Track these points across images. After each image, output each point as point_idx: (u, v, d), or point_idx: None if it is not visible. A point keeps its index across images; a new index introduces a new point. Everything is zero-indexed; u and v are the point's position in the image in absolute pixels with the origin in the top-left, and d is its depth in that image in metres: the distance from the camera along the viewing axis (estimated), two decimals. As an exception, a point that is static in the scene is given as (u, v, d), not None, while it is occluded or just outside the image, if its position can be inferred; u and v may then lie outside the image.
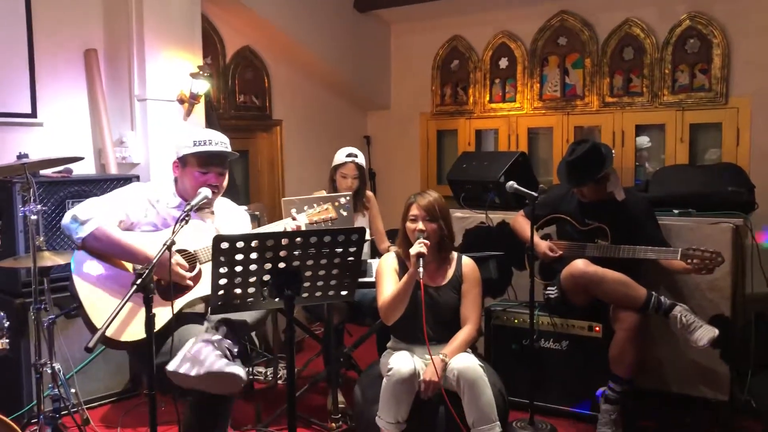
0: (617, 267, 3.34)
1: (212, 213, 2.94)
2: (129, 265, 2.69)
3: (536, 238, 3.58)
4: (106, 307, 2.50)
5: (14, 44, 3.91)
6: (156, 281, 2.58)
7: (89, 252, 2.67)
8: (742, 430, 3.44)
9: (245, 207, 4.20)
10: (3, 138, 3.90)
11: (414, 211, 3.03)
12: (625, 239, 3.43)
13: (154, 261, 2.20)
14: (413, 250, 2.87)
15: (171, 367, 2.37)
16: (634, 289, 3.27)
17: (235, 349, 2.52)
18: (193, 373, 2.35)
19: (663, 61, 5.14)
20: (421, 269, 2.80)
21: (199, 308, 2.76)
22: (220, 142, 2.82)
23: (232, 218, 3.03)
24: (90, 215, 2.63)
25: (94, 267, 2.66)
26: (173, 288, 2.58)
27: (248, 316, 2.66)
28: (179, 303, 2.63)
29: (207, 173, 2.79)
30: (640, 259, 3.39)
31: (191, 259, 2.71)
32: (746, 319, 3.80)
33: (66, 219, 2.66)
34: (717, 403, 3.60)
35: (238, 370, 2.39)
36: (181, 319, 2.62)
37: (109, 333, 2.44)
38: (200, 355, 2.38)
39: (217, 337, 2.47)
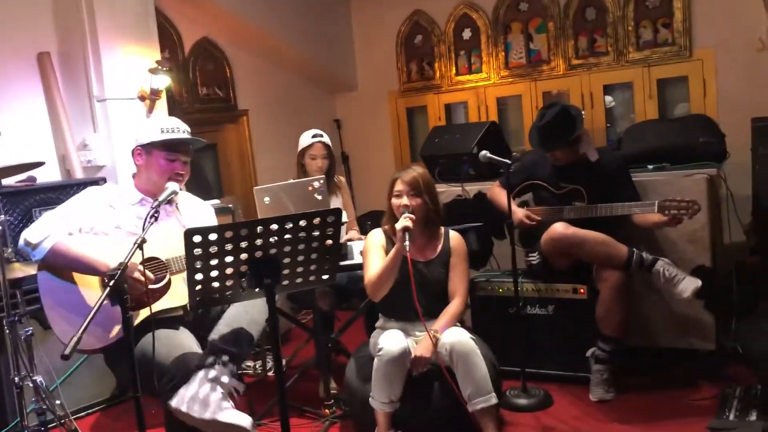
0: (596, 227, 3.34)
1: (177, 209, 2.87)
2: (93, 281, 2.62)
3: (513, 207, 3.56)
4: (75, 324, 2.43)
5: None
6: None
7: (48, 268, 2.62)
8: (731, 376, 3.48)
9: (217, 201, 4.14)
10: (-40, 151, 3.78)
11: (398, 186, 3.00)
12: (601, 199, 3.43)
13: (126, 261, 2.13)
14: (399, 225, 2.84)
15: (175, 403, 2.33)
16: (615, 247, 3.28)
17: (242, 388, 2.48)
18: (197, 416, 2.32)
19: (625, 19, 5.12)
20: (407, 243, 2.78)
21: (176, 312, 2.68)
22: (185, 130, 2.80)
23: (198, 212, 2.97)
24: (42, 235, 2.56)
25: (57, 288, 2.61)
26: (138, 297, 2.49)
27: (253, 327, 2.60)
28: (143, 313, 2.56)
29: (174, 161, 2.75)
30: (619, 218, 3.39)
31: (161, 267, 2.63)
32: (727, 269, 3.83)
33: (21, 241, 2.61)
34: (705, 353, 3.63)
35: (245, 420, 2.35)
36: (152, 325, 2.51)
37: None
38: (207, 397, 2.34)
39: (225, 378, 2.41)
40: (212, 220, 3.02)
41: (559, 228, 3.34)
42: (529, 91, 5.58)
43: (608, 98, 5.30)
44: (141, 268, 2.49)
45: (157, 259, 2.63)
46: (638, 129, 4.31)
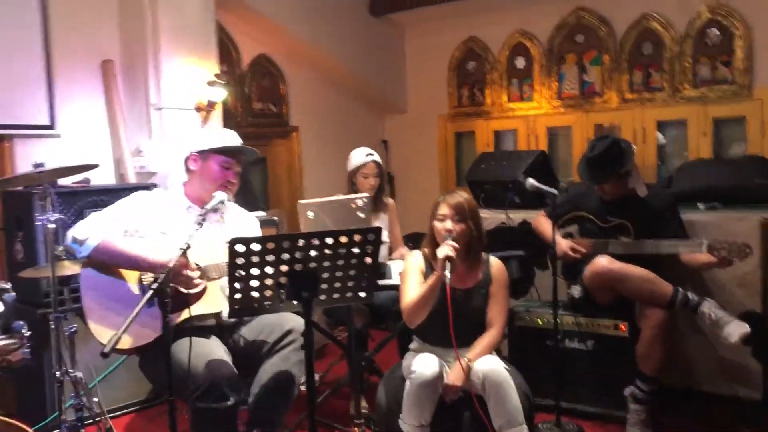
0: (641, 263, 3.27)
1: (222, 218, 2.93)
2: (133, 280, 2.69)
3: (557, 238, 3.52)
4: (112, 324, 2.54)
5: (31, 57, 3.95)
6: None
7: (93, 266, 2.68)
8: (777, 429, 3.35)
9: (263, 213, 4.20)
10: (22, 150, 3.94)
11: (443, 210, 2.94)
12: (648, 235, 3.36)
13: (171, 264, 2.18)
14: (440, 252, 2.77)
15: None
16: (659, 285, 3.20)
17: None
18: None
19: (683, 55, 5.05)
20: (448, 273, 2.70)
21: (210, 321, 2.74)
22: (241, 143, 2.91)
23: (243, 223, 3.02)
24: (87, 233, 2.63)
25: (100, 285, 2.68)
26: (177, 298, 2.55)
27: (296, 368, 2.70)
28: (179, 316, 2.62)
29: (228, 169, 2.81)
30: (665, 255, 3.32)
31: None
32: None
33: (68, 238, 2.68)
34: (749, 402, 3.50)
35: None
36: (187, 330, 2.58)
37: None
38: None
39: None
40: (257, 232, 3.07)
41: (603, 262, 3.29)
42: (581, 123, 5.54)
43: (660, 136, 5.21)
44: (193, 264, 2.58)
45: (196, 264, 2.68)
46: (691, 167, 4.24)
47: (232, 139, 2.88)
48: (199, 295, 2.65)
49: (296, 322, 2.80)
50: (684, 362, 3.60)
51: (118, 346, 2.46)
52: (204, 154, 2.83)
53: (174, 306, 2.52)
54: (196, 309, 2.64)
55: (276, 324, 2.77)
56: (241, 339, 2.84)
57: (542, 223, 3.79)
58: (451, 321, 2.78)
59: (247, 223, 3.06)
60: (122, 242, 2.65)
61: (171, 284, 2.54)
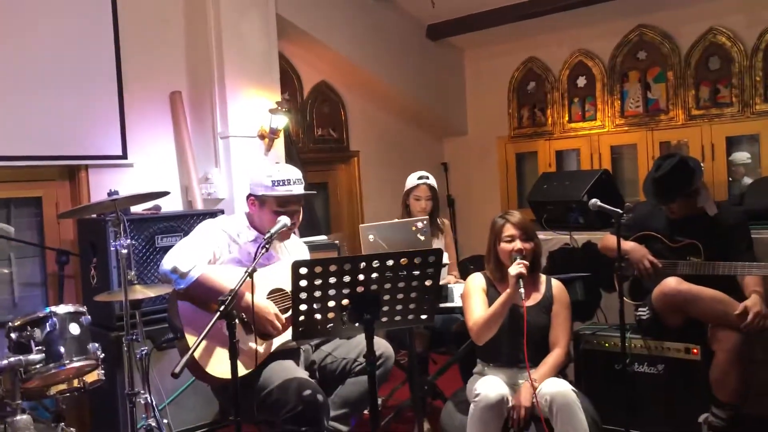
0: (712, 284, 3.16)
1: (285, 248, 2.98)
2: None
3: (633, 244, 3.42)
4: (206, 343, 2.55)
5: (105, 91, 4.14)
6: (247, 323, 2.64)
7: (187, 297, 2.66)
8: None
9: (324, 237, 4.26)
10: (97, 180, 4.12)
11: (509, 230, 2.96)
12: (719, 255, 3.24)
13: (236, 288, 2.23)
14: (513, 271, 2.81)
15: None
16: (732, 306, 3.07)
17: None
18: None
19: (753, 69, 4.89)
20: (522, 290, 2.75)
21: (292, 344, 2.80)
22: (296, 179, 2.83)
23: (298, 251, 3.07)
24: (191, 265, 2.61)
25: (200, 318, 2.65)
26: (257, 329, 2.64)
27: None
28: (276, 342, 2.69)
29: (285, 213, 2.78)
30: (735, 276, 3.19)
31: (287, 298, 2.72)
32: None
33: (166, 267, 2.64)
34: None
35: None
36: (274, 354, 2.68)
37: (207, 367, 2.54)
38: None
39: None
40: (306, 256, 3.10)
41: (672, 283, 3.19)
42: (645, 141, 5.42)
43: (745, 154, 5.01)
44: (277, 310, 2.64)
45: (281, 290, 2.75)
46: (764, 183, 4.07)
47: (288, 178, 2.80)
48: (289, 323, 2.64)
49: (386, 347, 2.89)
50: (762, 387, 3.43)
51: (219, 375, 2.54)
52: (260, 198, 2.82)
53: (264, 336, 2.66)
54: (282, 339, 2.71)
55: (365, 346, 2.78)
56: (329, 357, 2.90)
57: (610, 239, 3.70)
58: (526, 337, 2.77)
59: (299, 249, 3.11)
60: (217, 273, 2.65)
61: (257, 326, 2.63)
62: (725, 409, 3.09)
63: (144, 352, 3.13)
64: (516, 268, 2.81)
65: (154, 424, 3.13)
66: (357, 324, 2.24)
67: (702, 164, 3.56)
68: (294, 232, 2.97)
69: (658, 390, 3.41)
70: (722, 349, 3.07)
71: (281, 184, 2.79)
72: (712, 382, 3.11)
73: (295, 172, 2.86)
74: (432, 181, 4.05)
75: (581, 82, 5.79)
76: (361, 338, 2.82)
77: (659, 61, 5.35)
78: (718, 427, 3.11)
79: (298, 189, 2.83)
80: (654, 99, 5.43)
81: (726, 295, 3.11)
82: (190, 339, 2.60)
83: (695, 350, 3.30)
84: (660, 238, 3.49)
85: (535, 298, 3.02)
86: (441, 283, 3.66)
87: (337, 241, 4.25)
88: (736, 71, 4.97)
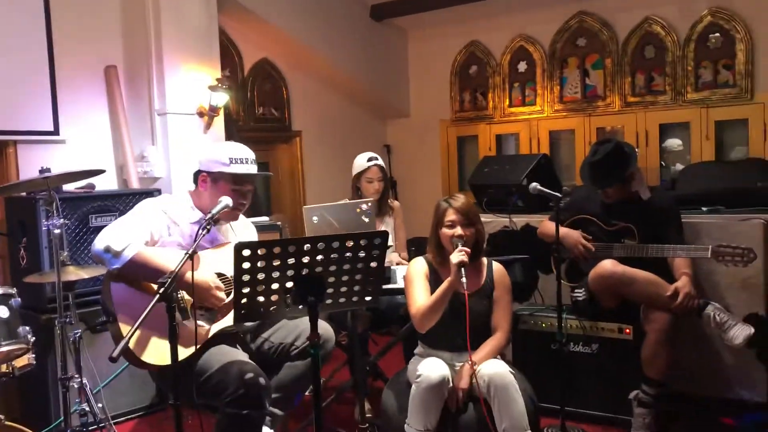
0: (646, 267, 3.27)
1: (232, 228, 2.92)
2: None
3: (566, 230, 3.51)
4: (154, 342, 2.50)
5: (36, 63, 3.96)
6: (191, 305, 2.58)
7: (121, 278, 2.57)
8: (782, 432, 3.34)
9: (266, 218, 4.20)
10: (27, 156, 3.95)
11: (451, 216, 2.94)
12: (652, 238, 3.36)
13: (176, 269, 2.18)
14: (455, 259, 2.79)
15: None
16: (664, 288, 3.20)
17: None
18: None
19: (685, 59, 5.06)
20: (464, 279, 2.73)
21: (231, 328, 2.73)
22: (253, 160, 2.79)
23: (246, 231, 3.02)
24: (124, 243, 2.51)
25: (133, 299, 2.57)
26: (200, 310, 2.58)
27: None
28: (215, 327, 2.63)
29: (239, 192, 2.75)
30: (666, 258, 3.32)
31: (229, 283, 2.65)
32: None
33: (98, 247, 2.52)
34: (754, 405, 3.50)
35: None
36: (214, 339, 2.63)
37: (142, 355, 2.47)
38: None
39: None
40: (254, 238, 3.06)
41: (607, 265, 3.29)
42: (583, 126, 5.54)
43: (676, 141, 5.18)
44: (219, 283, 2.58)
45: (223, 275, 2.68)
46: (694, 170, 4.24)
47: (245, 157, 2.76)
48: (229, 308, 2.61)
49: (326, 329, 2.87)
50: (688, 366, 3.59)
51: (155, 362, 2.48)
52: (214, 176, 2.75)
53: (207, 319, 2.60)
54: (221, 324, 2.66)
55: (304, 330, 2.75)
56: (266, 343, 2.86)
57: (547, 225, 3.79)
58: (468, 326, 2.79)
59: (246, 231, 3.05)
60: (156, 255, 2.56)
61: (201, 305, 2.58)
62: (654, 386, 3.22)
63: (77, 335, 3.04)
64: (457, 256, 2.79)
65: (87, 408, 3.05)
66: (301, 306, 2.22)
67: (637, 150, 3.67)
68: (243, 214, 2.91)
69: (593, 369, 3.53)
70: (653, 329, 3.20)
71: (239, 162, 2.73)
72: (643, 361, 3.23)
73: (250, 153, 2.82)
74: (381, 161, 4.03)
75: (522, 67, 5.87)
76: (299, 321, 2.82)
77: (598, 48, 5.47)
78: (647, 403, 3.24)
79: (255, 169, 2.79)
80: (592, 85, 5.55)
81: (658, 277, 3.23)
82: (123, 323, 2.51)
83: (628, 330, 3.43)
84: (595, 222, 3.59)
85: (478, 282, 3.05)
86: (390, 262, 3.67)
87: (279, 223, 4.20)
88: (670, 60, 5.13)
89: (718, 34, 4.92)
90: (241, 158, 2.75)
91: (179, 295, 2.58)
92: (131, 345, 2.43)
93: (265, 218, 4.28)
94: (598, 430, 3.43)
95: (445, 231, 2.95)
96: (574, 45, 5.59)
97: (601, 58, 5.47)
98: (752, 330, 3.04)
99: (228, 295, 2.61)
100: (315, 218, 3.27)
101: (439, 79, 6.31)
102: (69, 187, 3.67)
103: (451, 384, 2.81)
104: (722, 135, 5.02)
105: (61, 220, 2.92)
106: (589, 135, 5.50)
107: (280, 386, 2.80)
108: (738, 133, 4.96)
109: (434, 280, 2.97)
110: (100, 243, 2.53)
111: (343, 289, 2.28)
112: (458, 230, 2.91)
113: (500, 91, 5.97)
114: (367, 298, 2.35)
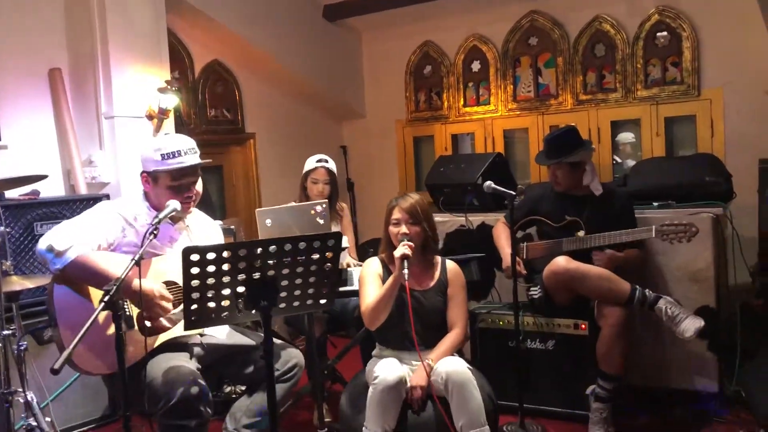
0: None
1: (187, 227, 2.84)
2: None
3: (504, 253, 3.56)
4: (96, 352, 2.42)
5: (-26, 66, 3.81)
6: (138, 314, 2.50)
7: (65, 281, 2.48)
8: (734, 420, 3.41)
9: (220, 222, 4.12)
10: (-34, 162, 3.79)
11: (396, 214, 2.97)
12: (601, 231, 3.41)
13: (122, 276, 2.11)
14: (397, 252, 2.82)
15: None
16: (617, 283, 3.24)
17: None
18: None
19: (634, 56, 5.15)
20: (406, 271, 2.75)
21: (182, 338, 2.67)
22: (189, 149, 2.68)
23: (208, 232, 2.94)
24: (68, 244, 2.42)
25: (76, 306, 2.48)
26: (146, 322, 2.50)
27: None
28: (161, 338, 2.56)
29: (180, 186, 2.67)
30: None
31: (179, 291, 2.56)
32: (731, 310, 3.79)
33: (41, 246, 2.44)
34: (707, 395, 3.57)
35: None
36: (163, 347, 2.56)
37: (88, 368, 2.40)
38: None
39: None
40: (219, 239, 3.00)
41: (561, 262, 3.31)
42: (536, 125, 5.60)
43: (629, 134, 5.27)
44: (166, 293, 2.48)
45: (175, 283, 2.58)
46: (645, 165, 4.30)
47: (178, 149, 2.65)
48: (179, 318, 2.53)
49: (299, 358, 2.85)
50: (643, 360, 3.65)
51: (90, 370, 2.40)
52: (152, 174, 2.67)
53: (155, 330, 2.51)
54: (178, 330, 2.58)
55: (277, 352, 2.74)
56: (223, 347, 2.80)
57: (500, 232, 3.79)
58: (412, 319, 2.80)
59: (211, 230, 2.98)
60: (101, 259, 2.45)
61: (145, 314, 2.49)
62: (610, 380, 3.25)
63: (22, 347, 2.92)
64: (400, 249, 2.82)
65: (34, 423, 2.93)
66: (253, 311, 2.17)
67: (593, 145, 3.72)
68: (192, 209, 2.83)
69: (549, 365, 3.55)
70: (607, 324, 3.23)
71: (171, 156, 2.63)
72: (599, 356, 3.27)
73: (186, 142, 2.70)
74: (331, 165, 4.00)
75: (476, 66, 5.90)
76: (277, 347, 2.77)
77: (550, 46, 5.52)
78: (604, 397, 3.27)
79: (192, 159, 2.67)
80: (545, 84, 5.61)
81: (611, 273, 3.27)
82: (63, 328, 2.42)
83: (583, 326, 3.46)
84: (545, 221, 3.63)
85: (431, 280, 3.05)
86: (340, 266, 3.63)
87: (233, 227, 4.13)
88: (620, 58, 5.21)
89: (665, 33, 5.02)
90: (173, 152, 2.64)
91: (124, 303, 2.49)
92: (74, 356, 2.34)
93: (218, 222, 4.19)
94: (557, 426, 3.46)
95: (392, 229, 2.99)
96: (526, 44, 5.64)
97: (553, 57, 5.53)
98: (702, 323, 3.09)
99: (177, 305, 2.52)
100: (268, 221, 3.22)
101: (394, 79, 6.30)
102: (12, 194, 3.54)
103: (408, 384, 2.79)
104: (672, 131, 5.12)
105: (3, 228, 2.82)
106: (543, 133, 5.54)
107: (258, 412, 2.74)
108: (687, 129, 5.07)
109: (386, 280, 2.96)
110: (43, 242, 2.44)
111: (297, 292, 2.24)
112: (403, 228, 2.93)
113: (455, 90, 5.99)
114: (322, 301, 2.31)
